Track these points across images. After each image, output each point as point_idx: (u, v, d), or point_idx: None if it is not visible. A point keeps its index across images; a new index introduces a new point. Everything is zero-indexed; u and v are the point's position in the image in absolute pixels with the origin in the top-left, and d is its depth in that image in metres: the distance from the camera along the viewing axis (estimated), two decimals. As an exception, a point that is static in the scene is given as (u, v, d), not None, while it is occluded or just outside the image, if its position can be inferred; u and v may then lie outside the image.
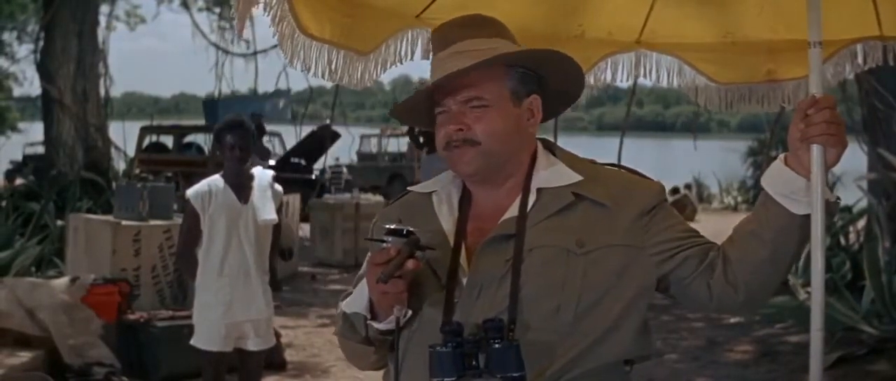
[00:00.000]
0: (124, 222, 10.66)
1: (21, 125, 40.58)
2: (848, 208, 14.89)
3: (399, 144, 34.51)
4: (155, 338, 9.36)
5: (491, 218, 2.90)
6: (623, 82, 4.34)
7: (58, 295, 9.46)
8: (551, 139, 3.12)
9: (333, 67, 3.36)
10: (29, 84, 46.12)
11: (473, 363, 2.61)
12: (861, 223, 13.80)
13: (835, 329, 9.98)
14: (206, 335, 6.90)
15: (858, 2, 4.09)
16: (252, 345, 6.98)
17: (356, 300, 2.90)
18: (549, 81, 3.00)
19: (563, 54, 2.99)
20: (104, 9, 23.96)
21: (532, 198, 2.89)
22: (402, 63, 3.63)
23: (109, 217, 11.17)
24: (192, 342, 6.99)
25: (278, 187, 7.15)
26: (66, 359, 8.96)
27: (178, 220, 10.70)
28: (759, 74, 4.36)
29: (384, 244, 2.72)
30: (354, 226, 17.59)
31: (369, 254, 2.84)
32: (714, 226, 13.76)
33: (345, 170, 30.59)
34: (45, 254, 12.28)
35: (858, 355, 9.85)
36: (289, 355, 10.35)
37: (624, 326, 2.81)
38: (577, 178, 2.91)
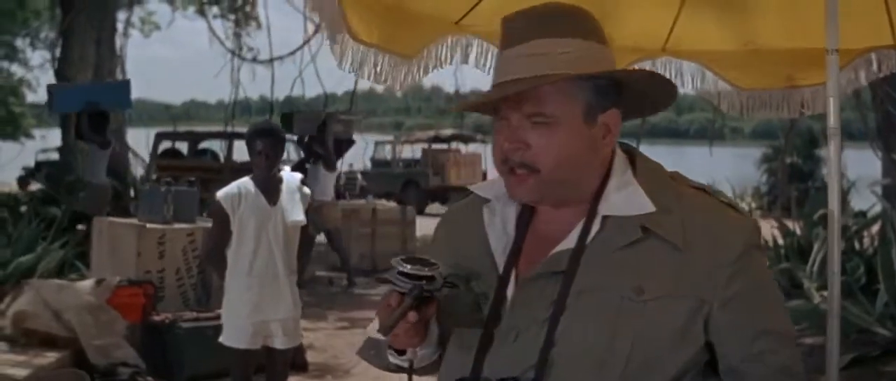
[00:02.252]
0: (149, 226, 10.80)
1: (34, 131, 40.82)
2: (862, 213, 15.02)
3: (413, 150, 34.78)
4: (179, 339, 9.51)
5: (549, 243, 2.49)
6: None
7: (84, 297, 9.59)
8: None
9: (379, 69, 3.53)
10: (43, 90, 46.23)
11: None
12: (875, 228, 13.90)
13: (849, 331, 10.11)
14: (235, 333, 7.07)
15: (874, 12, 4.27)
16: (279, 343, 7.14)
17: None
18: (630, 89, 2.53)
19: (659, 76, 2.65)
20: (120, 15, 24.07)
21: (596, 226, 2.45)
22: (442, 67, 3.77)
23: (134, 220, 11.33)
24: (220, 339, 7.16)
25: (306, 190, 7.32)
26: (92, 359, 9.08)
27: (201, 223, 10.92)
28: (779, 81, 4.54)
29: (394, 286, 2.41)
30: (372, 231, 17.86)
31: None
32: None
33: (359, 176, 30.78)
34: (68, 258, 12.42)
35: (872, 356, 9.99)
36: (310, 356, 10.49)
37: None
38: (649, 208, 2.42)
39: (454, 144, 35.81)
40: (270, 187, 7.12)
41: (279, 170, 7.30)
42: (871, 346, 10.22)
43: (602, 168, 2.49)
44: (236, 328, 7.07)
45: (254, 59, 23.65)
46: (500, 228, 2.55)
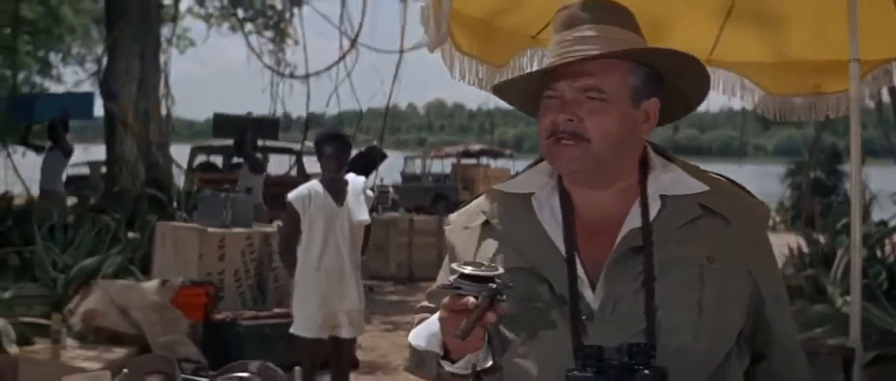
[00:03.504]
0: (210, 230, 11.31)
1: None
2: (884, 223, 15.37)
3: (443, 165, 35.12)
4: (239, 336, 9.99)
5: (600, 226, 2.61)
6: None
7: (149, 296, 10.08)
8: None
9: (479, 76, 4.11)
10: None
11: None
12: (896, 237, 14.29)
13: (871, 332, 10.53)
14: (305, 324, 7.65)
15: (893, 27, 4.85)
16: (345, 333, 7.71)
17: (425, 335, 2.64)
18: (669, 86, 2.68)
19: (699, 63, 2.70)
20: (163, 31, 24.42)
21: (655, 206, 2.60)
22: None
23: (195, 225, 11.85)
24: (291, 330, 7.72)
25: (370, 192, 7.90)
26: (157, 355, 9.57)
27: (257, 228, 11.53)
28: (807, 87, 5.14)
29: (460, 291, 2.40)
30: (408, 241, 18.44)
31: (445, 299, 2.47)
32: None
33: (391, 190, 31.17)
34: (123, 263, 12.90)
35: (893, 355, 10.41)
36: (358, 355, 10.97)
37: (735, 348, 2.61)
38: (702, 187, 2.63)
39: (483, 159, 36.20)
40: (337, 189, 7.71)
41: (346, 172, 7.89)
42: (891, 346, 10.62)
43: (637, 154, 2.65)
44: (307, 318, 7.64)
45: (291, 75, 23.97)
46: (549, 216, 2.64)
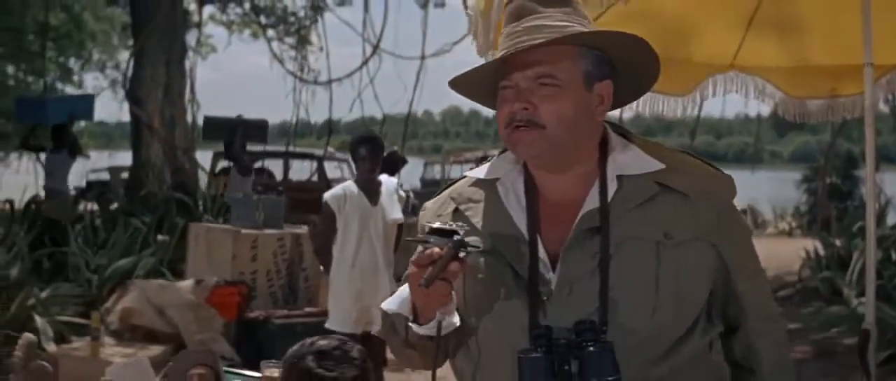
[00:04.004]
0: (244, 231, 11.53)
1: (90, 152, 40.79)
2: (898, 226, 15.63)
3: (462, 170, 35.15)
4: (272, 334, 10.13)
5: (563, 208, 2.66)
6: (714, 96, 5.39)
7: (184, 295, 10.34)
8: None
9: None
10: (98, 111, 46.08)
11: (566, 368, 2.45)
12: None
13: (886, 331, 10.74)
14: (340, 319, 7.94)
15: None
16: (378, 329, 7.97)
17: (397, 301, 2.71)
18: (621, 69, 2.72)
19: (645, 42, 2.71)
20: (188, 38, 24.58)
21: (613, 186, 2.65)
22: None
23: (228, 226, 12.07)
24: (326, 325, 7.95)
25: (402, 193, 8.21)
26: (192, 353, 9.80)
27: (288, 229, 11.81)
28: (825, 90, 5.46)
29: (427, 245, 2.50)
30: (428, 244, 18.63)
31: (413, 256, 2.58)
32: (768, 249, 14.24)
33: (411, 194, 31.24)
34: (155, 265, 13.16)
35: (907, 351, 10.65)
36: (387, 353, 11.19)
37: (701, 320, 2.66)
38: (658, 165, 2.67)
39: (503, 164, 36.14)
40: (371, 189, 8.01)
41: (379, 173, 8.20)
42: (906, 343, 10.86)
43: (595, 136, 2.69)
44: (342, 314, 7.93)
45: (315, 81, 24.13)
46: (514, 201, 2.71)
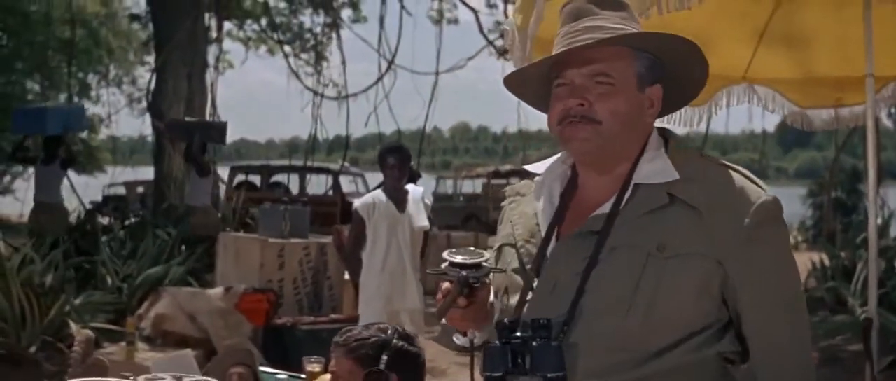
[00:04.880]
0: (271, 240, 11.86)
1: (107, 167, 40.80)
2: (901, 237, 15.89)
3: (474, 185, 35.28)
4: (299, 340, 10.23)
5: (589, 210, 2.70)
6: (731, 106, 5.73)
7: (214, 302, 10.68)
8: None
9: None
10: (116, 126, 46.11)
11: (519, 360, 2.46)
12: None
13: (888, 338, 10.95)
14: (371, 321, 8.24)
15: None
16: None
17: None
18: (670, 75, 2.75)
19: (697, 47, 2.75)
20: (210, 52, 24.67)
21: (629, 193, 2.67)
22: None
23: (256, 235, 12.43)
24: (358, 328, 8.29)
25: (428, 201, 8.56)
26: (222, 358, 10.11)
27: (313, 238, 12.15)
28: (831, 101, 5.82)
29: (446, 276, 2.62)
30: (447, 255, 18.91)
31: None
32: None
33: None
34: (183, 274, 13.49)
35: (909, 358, 10.91)
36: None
37: (696, 335, 2.61)
38: (673, 176, 2.64)
39: (513, 180, 36.21)
40: (399, 197, 8.33)
41: (406, 182, 8.53)
42: (908, 350, 11.10)
43: (642, 139, 2.70)
44: (372, 317, 8.13)
45: (335, 97, 24.27)
46: (546, 198, 2.78)
